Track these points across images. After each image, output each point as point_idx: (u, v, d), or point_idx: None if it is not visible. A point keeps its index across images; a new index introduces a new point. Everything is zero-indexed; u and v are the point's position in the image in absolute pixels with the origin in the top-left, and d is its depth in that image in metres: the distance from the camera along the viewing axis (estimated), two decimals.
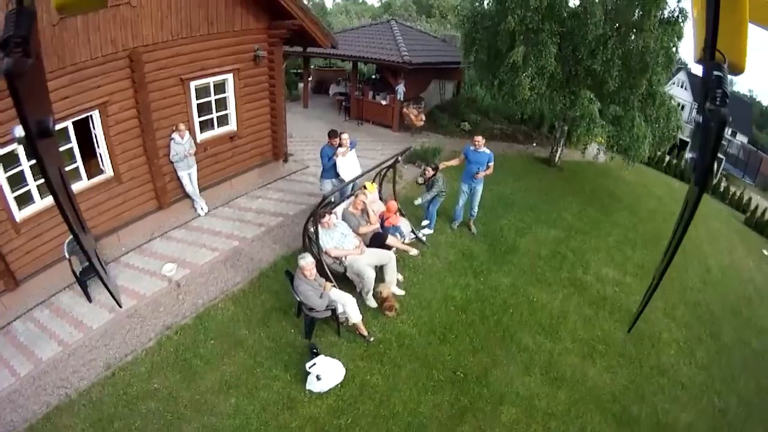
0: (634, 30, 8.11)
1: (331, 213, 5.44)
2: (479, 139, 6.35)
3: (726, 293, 8.10)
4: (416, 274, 6.13)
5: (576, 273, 7.04)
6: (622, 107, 8.64)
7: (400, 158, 6.35)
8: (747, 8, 0.79)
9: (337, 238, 5.37)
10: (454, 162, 6.77)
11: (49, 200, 5.55)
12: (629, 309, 6.53)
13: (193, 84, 6.62)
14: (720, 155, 18.46)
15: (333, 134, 6.18)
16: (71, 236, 5.17)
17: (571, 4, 8.69)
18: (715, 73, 0.72)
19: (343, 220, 5.71)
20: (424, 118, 10.96)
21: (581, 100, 8.30)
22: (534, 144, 12.67)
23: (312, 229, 5.20)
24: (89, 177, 5.97)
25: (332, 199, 6.72)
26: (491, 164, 6.52)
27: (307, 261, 4.55)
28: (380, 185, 6.62)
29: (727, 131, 29.98)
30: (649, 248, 8.46)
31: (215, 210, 7.23)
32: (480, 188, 6.79)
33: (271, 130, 8.26)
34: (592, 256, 7.64)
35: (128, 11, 5.47)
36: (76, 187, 5.81)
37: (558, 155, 11.21)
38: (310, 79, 14.30)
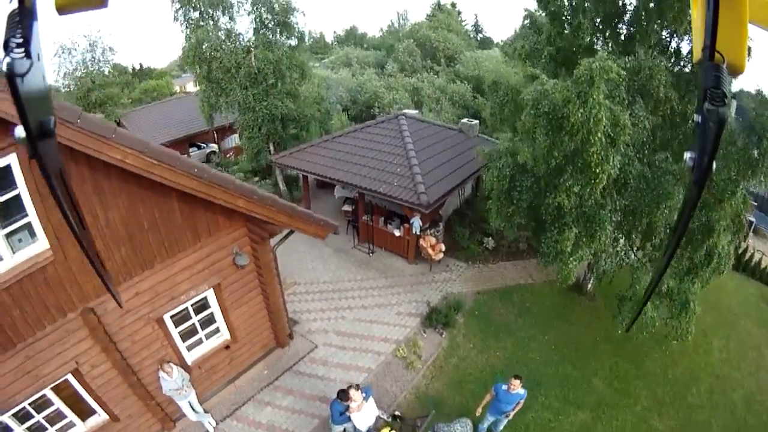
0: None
1: None
2: (516, 383, 6.18)
3: None
4: None
5: None
6: (675, 278, 8.29)
7: None
8: (747, 8, 0.83)
9: None
10: (486, 399, 6.65)
11: None
12: None
13: (167, 316, 6.42)
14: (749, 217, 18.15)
15: (343, 396, 6.09)
16: None
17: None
18: (714, 73, 0.77)
19: None
20: (443, 248, 10.77)
21: (635, 284, 7.94)
22: None
23: None
24: (83, 419, 6.09)
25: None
26: (522, 401, 6.44)
27: None
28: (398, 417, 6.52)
29: None
30: (677, 406, 8.76)
31: (223, 424, 7.34)
32: (506, 421, 6.76)
33: (271, 323, 8.17)
34: None
35: (58, 269, 4.96)
36: None
37: (590, 283, 11.05)
38: None
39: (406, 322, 9.45)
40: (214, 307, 7.15)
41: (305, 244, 12.14)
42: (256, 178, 17.17)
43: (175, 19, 13.00)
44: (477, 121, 14.20)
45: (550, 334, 9.99)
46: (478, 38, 38.43)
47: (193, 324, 7.00)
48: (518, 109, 9.05)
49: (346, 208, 12.74)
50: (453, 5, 37.21)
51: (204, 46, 12.66)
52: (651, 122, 7.47)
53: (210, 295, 6.96)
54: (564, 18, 8.56)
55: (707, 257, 8.42)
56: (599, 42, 8.93)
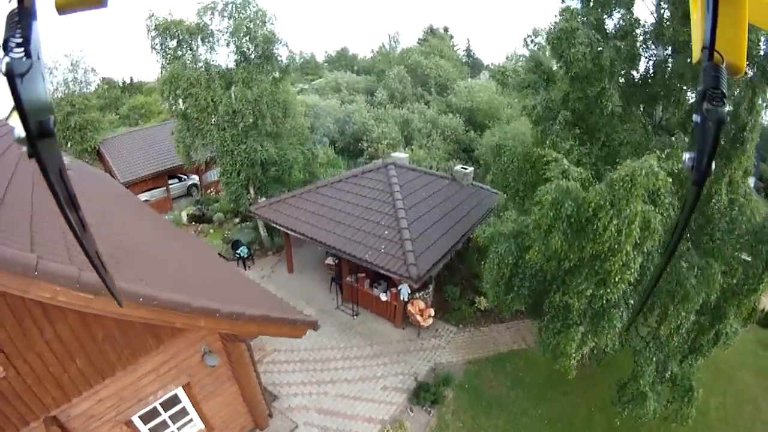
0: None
1: None
2: None
3: None
4: None
5: None
6: (676, 359, 8.14)
7: None
8: (746, 9, 0.85)
9: None
10: None
11: None
12: None
13: (135, 417, 6.21)
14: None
15: None
16: None
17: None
18: (714, 73, 0.79)
19: None
20: (432, 312, 10.49)
21: (637, 377, 7.72)
22: None
23: None
24: None
25: None
26: None
27: None
28: None
29: None
30: None
31: None
32: None
33: (248, 408, 7.88)
34: None
35: (11, 383, 4.71)
36: None
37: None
38: None
39: (392, 399, 9.12)
40: (186, 402, 6.89)
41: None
42: (237, 219, 16.77)
43: (152, 48, 12.57)
44: (471, 169, 13.99)
45: (544, 406, 9.80)
46: (470, 62, 38.69)
47: (164, 419, 6.72)
48: (522, 173, 8.82)
49: (330, 261, 12.38)
50: (446, 29, 37.63)
51: (180, 81, 12.19)
52: (675, 208, 7.03)
53: (180, 392, 6.68)
54: (587, 81, 7.80)
55: (715, 338, 8.29)
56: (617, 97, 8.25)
